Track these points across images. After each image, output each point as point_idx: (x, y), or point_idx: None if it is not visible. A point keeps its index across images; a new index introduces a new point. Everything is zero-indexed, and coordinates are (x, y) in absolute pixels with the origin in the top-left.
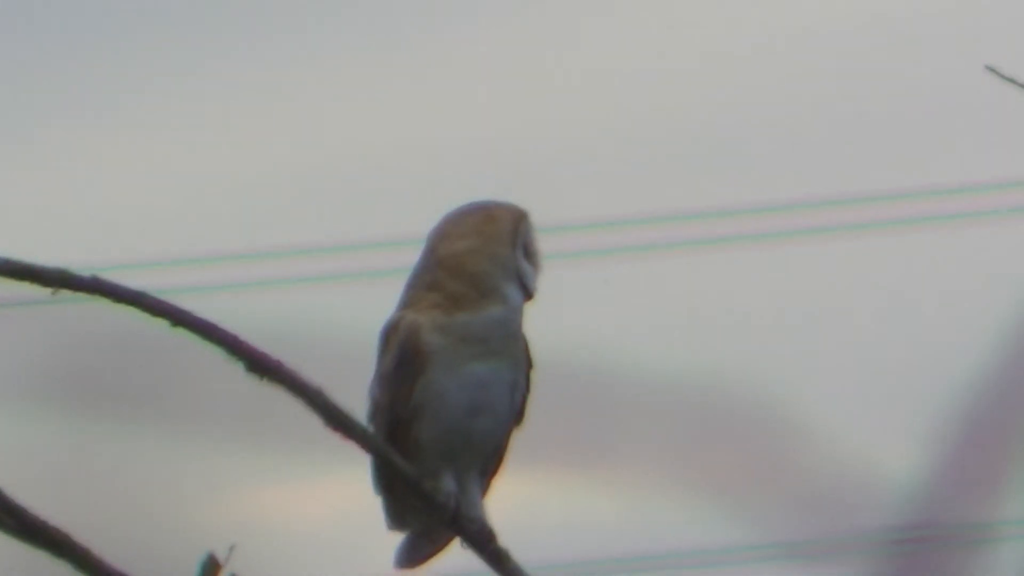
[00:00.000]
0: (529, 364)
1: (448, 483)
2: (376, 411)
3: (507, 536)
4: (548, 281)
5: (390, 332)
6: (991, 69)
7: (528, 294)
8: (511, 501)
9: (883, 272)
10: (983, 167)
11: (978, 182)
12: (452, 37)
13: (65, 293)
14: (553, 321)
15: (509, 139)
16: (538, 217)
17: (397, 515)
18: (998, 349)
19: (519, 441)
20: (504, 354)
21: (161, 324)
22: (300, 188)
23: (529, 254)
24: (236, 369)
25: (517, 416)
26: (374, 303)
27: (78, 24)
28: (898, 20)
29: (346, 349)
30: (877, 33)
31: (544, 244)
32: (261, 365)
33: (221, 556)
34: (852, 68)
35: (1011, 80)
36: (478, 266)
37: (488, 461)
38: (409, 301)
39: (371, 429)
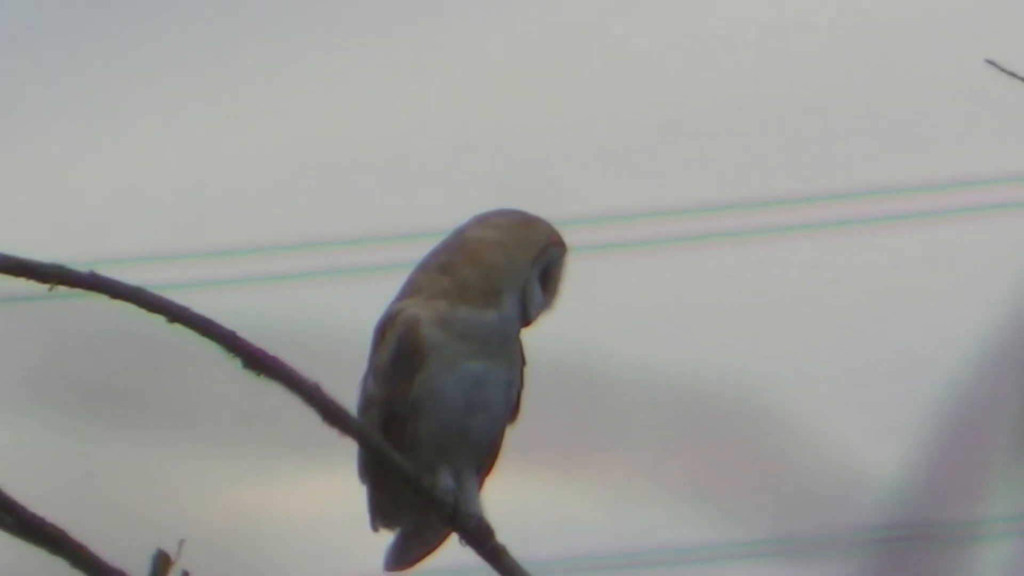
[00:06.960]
0: (522, 360)
1: (446, 480)
2: (369, 405)
3: (504, 532)
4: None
5: (386, 325)
6: (992, 63)
7: (527, 318)
8: (508, 497)
9: (878, 268)
10: (983, 161)
11: (978, 176)
12: (452, 35)
13: (62, 289)
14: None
15: (506, 137)
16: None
17: (386, 513)
18: (986, 345)
19: (514, 437)
20: (501, 355)
21: (158, 320)
22: (298, 184)
23: (547, 282)
24: (233, 365)
25: (511, 412)
26: (371, 299)
27: (76, 21)
28: (898, 14)
29: (343, 345)
30: (876, 27)
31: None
32: (258, 361)
33: (172, 552)
34: (852, 64)
35: (1012, 74)
36: (496, 259)
37: (483, 457)
38: (416, 284)
39: (364, 423)
